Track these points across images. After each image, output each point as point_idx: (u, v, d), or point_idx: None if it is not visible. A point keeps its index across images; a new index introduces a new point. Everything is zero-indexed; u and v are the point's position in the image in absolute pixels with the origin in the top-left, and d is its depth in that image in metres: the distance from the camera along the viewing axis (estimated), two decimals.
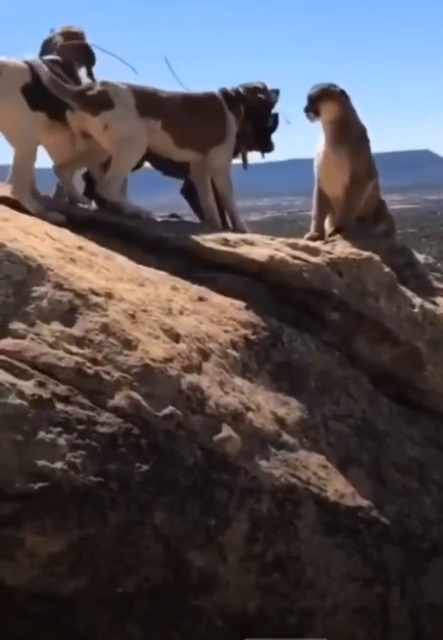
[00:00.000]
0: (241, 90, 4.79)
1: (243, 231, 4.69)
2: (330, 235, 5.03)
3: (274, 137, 5.27)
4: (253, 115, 4.82)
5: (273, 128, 5.26)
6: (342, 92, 4.93)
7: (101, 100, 4.20)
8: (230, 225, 4.84)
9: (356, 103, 5.03)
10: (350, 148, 4.92)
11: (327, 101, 4.91)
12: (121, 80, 4.35)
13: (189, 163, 4.73)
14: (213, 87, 4.74)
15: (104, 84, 4.27)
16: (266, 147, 5.24)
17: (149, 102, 4.34)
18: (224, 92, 4.69)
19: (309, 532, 3.26)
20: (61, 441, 2.66)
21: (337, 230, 5.01)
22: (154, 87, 4.44)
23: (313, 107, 4.90)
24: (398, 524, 3.66)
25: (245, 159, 5.18)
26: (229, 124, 4.67)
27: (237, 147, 4.95)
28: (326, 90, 4.92)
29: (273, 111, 5.22)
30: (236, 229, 4.72)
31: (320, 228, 5.16)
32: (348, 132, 4.93)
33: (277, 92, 5.03)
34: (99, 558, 2.72)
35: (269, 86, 5.01)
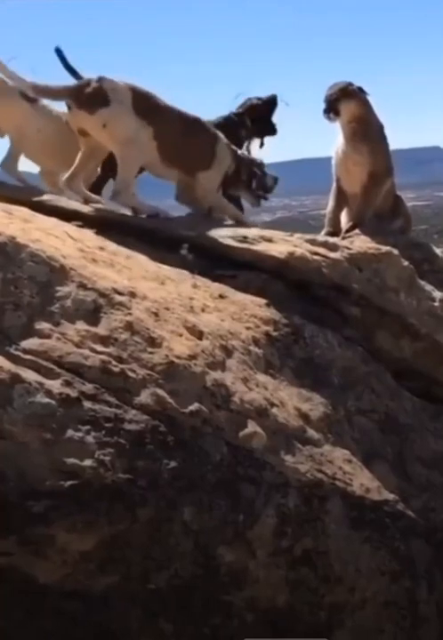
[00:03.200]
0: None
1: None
2: (347, 231, 5.03)
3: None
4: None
5: (272, 110, 5.24)
6: (361, 90, 4.91)
7: (98, 98, 4.11)
8: None
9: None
10: (369, 145, 4.89)
11: (346, 100, 4.89)
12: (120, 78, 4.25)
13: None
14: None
15: (100, 80, 4.17)
16: (271, 130, 5.25)
17: (146, 105, 4.24)
18: (219, 124, 4.72)
19: (335, 526, 3.26)
20: (90, 439, 2.67)
21: (354, 226, 5.00)
22: (153, 93, 4.35)
23: (333, 107, 4.88)
24: (424, 518, 3.65)
25: (248, 149, 5.17)
26: (219, 151, 4.56)
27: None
28: (345, 89, 4.89)
29: (268, 97, 5.21)
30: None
31: (336, 224, 5.15)
32: (367, 130, 4.91)
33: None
34: (129, 555, 2.73)
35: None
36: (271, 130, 5.26)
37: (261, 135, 5.26)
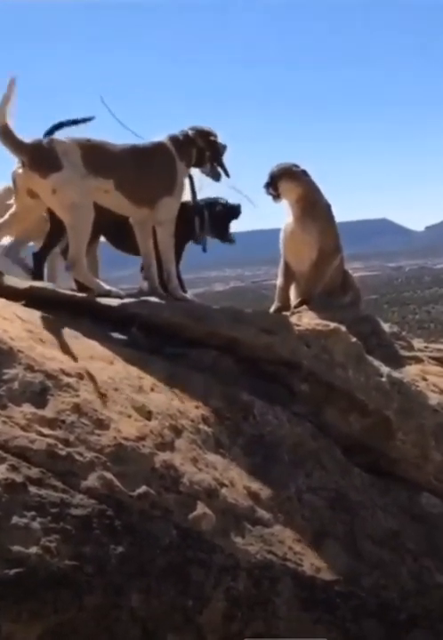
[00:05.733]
0: (190, 133, 4.60)
1: (175, 293, 4.52)
2: (296, 306, 5.11)
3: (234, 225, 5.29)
4: (206, 157, 4.65)
5: (233, 216, 5.24)
6: (304, 173, 5.06)
7: (50, 161, 4.03)
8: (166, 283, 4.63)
9: (315, 175, 5.16)
10: (318, 226, 5.03)
11: (289, 181, 5.03)
12: (69, 135, 4.19)
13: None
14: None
15: (52, 141, 4.10)
16: (224, 236, 5.21)
17: (98, 160, 4.18)
18: (173, 139, 4.53)
19: (287, 608, 3.22)
20: (35, 525, 2.62)
21: (303, 302, 5.08)
22: (102, 142, 4.28)
23: (274, 183, 5.01)
24: (376, 596, 3.62)
25: (204, 244, 5.14)
26: (179, 173, 4.51)
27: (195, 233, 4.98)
28: (289, 170, 5.05)
29: (233, 204, 5.23)
30: (169, 291, 4.53)
31: (285, 299, 5.25)
32: (315, 211, 5.05)
33: (224, 146, 4.99)
34: None
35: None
36: (227, 238, 5.23)
37: (219, 235, 5.22)
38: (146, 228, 4.55)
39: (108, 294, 4.22)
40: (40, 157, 4.06)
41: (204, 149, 4.63)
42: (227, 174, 4.91)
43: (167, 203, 4.45)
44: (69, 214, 4.12)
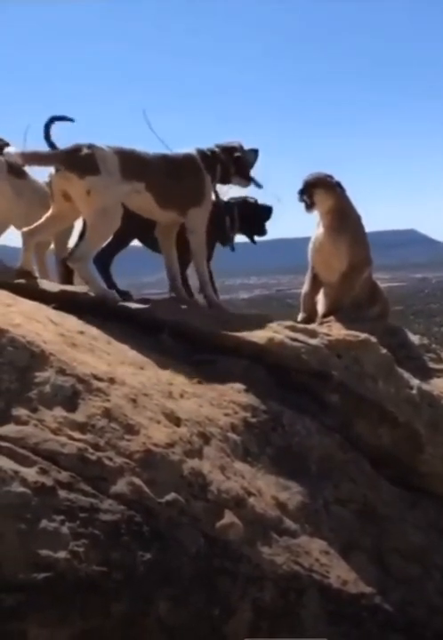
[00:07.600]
0: (217, 150, 4.78)
1: (211, 298, 4.71)
2: (323, 316, 5.08)
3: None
4: (231, 173, 4.82)
5: (264, 217, 5.36)
6: (339, 184, 5.04)
7: (88, 164, 4.16)
8: (199, 290, 4.83)
9: (344, 185, 5.14)
10: (348, 239, 5.00)
11: (324, 191, 5.01)
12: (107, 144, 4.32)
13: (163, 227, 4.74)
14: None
15: (91, 147, 4.22)
16: (256, 233, 5.36)
17: (133, 166, 4.34)
18: (201, 153, 4.70)
19: (313, 621, 3.19)
20: (65, 529, 2.61)
21: (331, 312, 5.05)
22: (138, 151, 4.45)
23: (308, 192, 5.00)
24: (402, 612, 3.58)
25: (232, 244, 5.28)
26: (206, 185, 4.69)
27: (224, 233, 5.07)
28: (324, 180, 5.03)
29: (264, 204, 5.35)
30: (204, 295, 4.74)
31: (311, 308, 5.22)
32: (346, 223, 5.02)
33: (255, 151, 5.00)
34: None
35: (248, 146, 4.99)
36: (261, 231, 5.41)
37: (250, 233, 5.40)
38: (170, 235, 4.74)
39: (104, 297, 4.25)
40: (79, 159, 4.18)
41: (228, 166, 4.76)
42: (258, 185, 5.00)
43: (196, 212, 4.64)
44: (98, 218, 4.24)
